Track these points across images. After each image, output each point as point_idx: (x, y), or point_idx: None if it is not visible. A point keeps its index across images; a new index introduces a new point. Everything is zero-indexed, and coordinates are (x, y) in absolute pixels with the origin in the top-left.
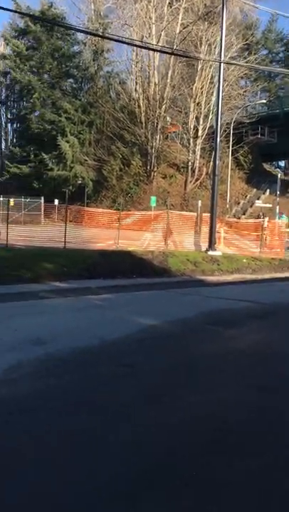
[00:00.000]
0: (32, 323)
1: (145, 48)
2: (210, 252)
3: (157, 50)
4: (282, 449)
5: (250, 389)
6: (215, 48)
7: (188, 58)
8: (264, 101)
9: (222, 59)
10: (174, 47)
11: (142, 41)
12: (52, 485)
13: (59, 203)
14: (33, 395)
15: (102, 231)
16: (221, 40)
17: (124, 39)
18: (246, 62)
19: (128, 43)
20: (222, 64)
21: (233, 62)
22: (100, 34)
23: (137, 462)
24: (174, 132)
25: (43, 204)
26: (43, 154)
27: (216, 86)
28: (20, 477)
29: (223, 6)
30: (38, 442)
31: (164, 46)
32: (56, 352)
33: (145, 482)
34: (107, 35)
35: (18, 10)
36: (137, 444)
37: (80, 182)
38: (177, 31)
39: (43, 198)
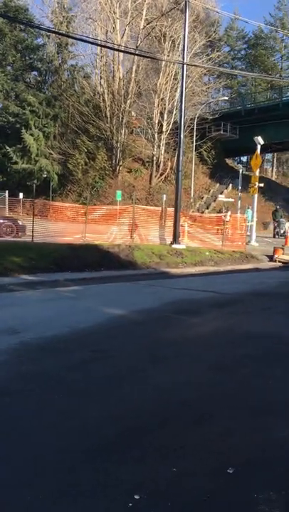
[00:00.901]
0: (3, 315)
1: (108, 47)
2: (174, 246)
3: (120, 51)
4: (217, 413)
5: (207, 370)
6: (178, 44)
7: (153, 53)
8: (226, 98)
9: (185, 60)
10: (138, 42)
11: (106, 36)
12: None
13: (23, 197)
14: (10, 380)
15: (69, 225)
16: (184, 41)
17: (87, 38)
18: (209, 59)
19: (91, 43)
20: (185, 66)
21: (196, 64)
22: (66, 33)
23: (111, 432)
24: (139, 127)
25: (7, 198)
26: (7, 147)
27: (180, 84)
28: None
29: (185, 9)
30: (15, 421)
31: (127, 45)
32: (29, 340)
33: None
34: (70, 32)
35: None
36: (108, 418)
37: (45, 176)
38: (141, 27)
39: (7, 191)
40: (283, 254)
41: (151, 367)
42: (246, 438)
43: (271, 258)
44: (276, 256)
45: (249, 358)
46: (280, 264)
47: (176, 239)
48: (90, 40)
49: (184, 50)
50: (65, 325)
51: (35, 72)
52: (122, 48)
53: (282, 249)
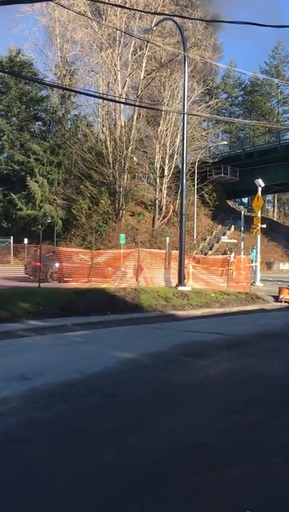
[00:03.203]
0: (14, 361)
1: (110, 100)
2: (180, 288)
3: (122, 102)
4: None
5: (219, 413)
6: (178, 92)
7: (153, 102)
8: (225, 142)
9: (185, 110)
10: (139, 92)
11: (107, 87)
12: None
13: (28, 242)
14: (22, 427)
15: (75, 269)
16: (184, 92)
17: (89, 92)
18: (208, 106)
19: (94, 96)
20: (185, 115)
21: (196, 113)
22: (69, 88)
23: (126, 479)
24: (141, 172)
25: (12, 244)
26: (12, 194)
27: (181, 132)
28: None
29: (184, 63)
30: (31, 469)
31: (128, 95)
32: (40, 387)
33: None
34: (73, 83)
35: None
36: (122, 464)
37: (49, 221)
38: (141, 77)
39: (12, 237)
40: None
41: (163, 411)
42: (262, 481)
43: (277, 298)
44: (282, 296)
45: (260, 401)
46: (285, 304)
47: (181, 281)
48: (92, 93)
49: (184, 100)
50: (75, 370)
51: (40, 122)
52: (123, 100)
53: (288, 289)
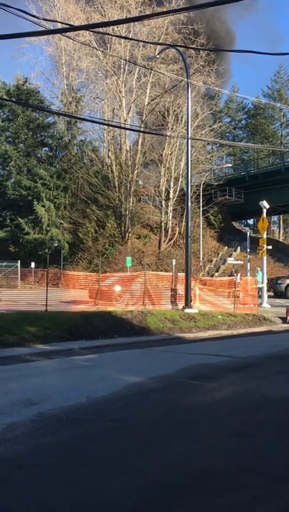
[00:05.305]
0: (21, 386)
1: (115, 126)
2: (186, 310)
3: (127, 129)
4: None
5: (227, 437)
6: (182, 117)
7: (158, 126)
8: (230, 165)
9: (189, 135)
10: (144, 117)
11: (113, 113)
12: None
13: (35, 266)
14: (30, 452)
15: (82, 292)
16: (188, 117)
17: (96, 119)
18: (211, 130)
19: (100, 123)
20: (189, 140)
21: (200, 138)
22: (74, 115)
23: (134, 505)
24: (146, 194)
25: (19, 268)
26: (19, 219)
27: (185, 154)
28: None
29: (188, 89)
30: (38, 495)
31: (133, 120)
32: (48, 412)
33: None
34: (79, 110)
35: None
36: (132, 490)
37: (56, 245)
38: (146, 103)
39: (19, 261)
40: None
41: (171, 435)
42: (271, 506)
43: (284, 320)
44: None
45: (269, 424)
46: None
47: (188, 303)
48: (97, 120)
49: (188, 125)
50: (83, 394)
51: (47, 148)
52: (128, 126)
53: None
